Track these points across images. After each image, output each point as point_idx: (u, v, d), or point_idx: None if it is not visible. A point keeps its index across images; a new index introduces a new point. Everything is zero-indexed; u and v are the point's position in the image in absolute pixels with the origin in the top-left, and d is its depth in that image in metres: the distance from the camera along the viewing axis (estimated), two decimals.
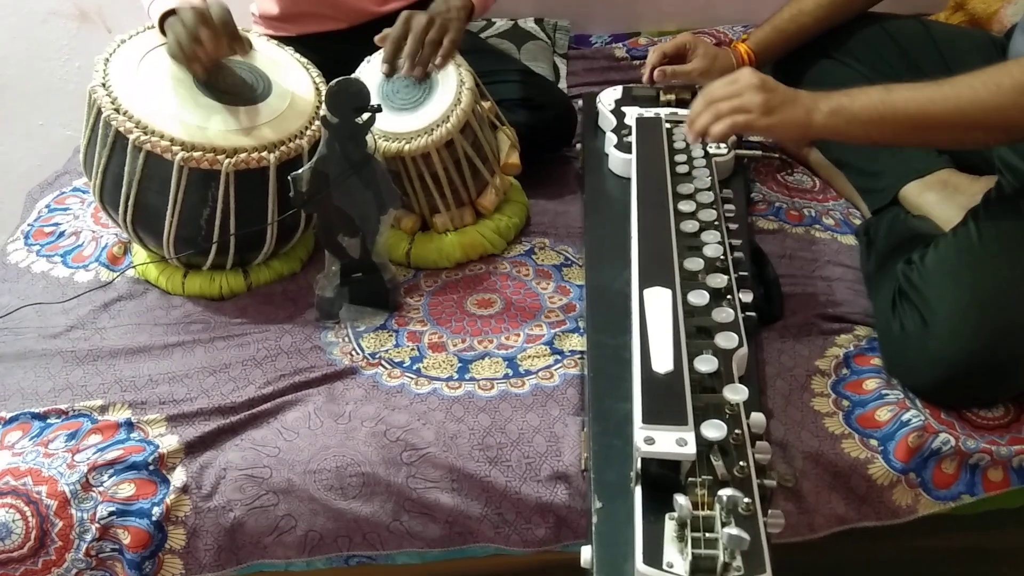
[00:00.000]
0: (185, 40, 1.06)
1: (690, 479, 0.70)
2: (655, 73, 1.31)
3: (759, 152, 1.27)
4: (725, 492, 0.66)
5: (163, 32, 1.12)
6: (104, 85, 1.08)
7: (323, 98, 1.07)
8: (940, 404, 0.97)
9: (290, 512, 0.91)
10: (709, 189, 1.07)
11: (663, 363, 0.78)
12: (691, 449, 0.70)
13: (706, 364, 0.79)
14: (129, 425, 0.97)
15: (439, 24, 1.18)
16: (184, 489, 0.91)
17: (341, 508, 0.91)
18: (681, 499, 0.66)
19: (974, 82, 0.92)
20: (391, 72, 1.19)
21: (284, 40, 1.29)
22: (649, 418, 0.72)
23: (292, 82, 1.18)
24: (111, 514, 0.89)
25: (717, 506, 0.66)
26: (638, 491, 0.71)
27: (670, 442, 0.70)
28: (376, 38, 1.20)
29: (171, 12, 1.10)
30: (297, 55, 1.23)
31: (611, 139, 1.27)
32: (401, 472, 0.92)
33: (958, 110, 0.92)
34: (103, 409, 0.99)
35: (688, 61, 1.31)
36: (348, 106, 1.01)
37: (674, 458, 0.70)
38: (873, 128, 0.96)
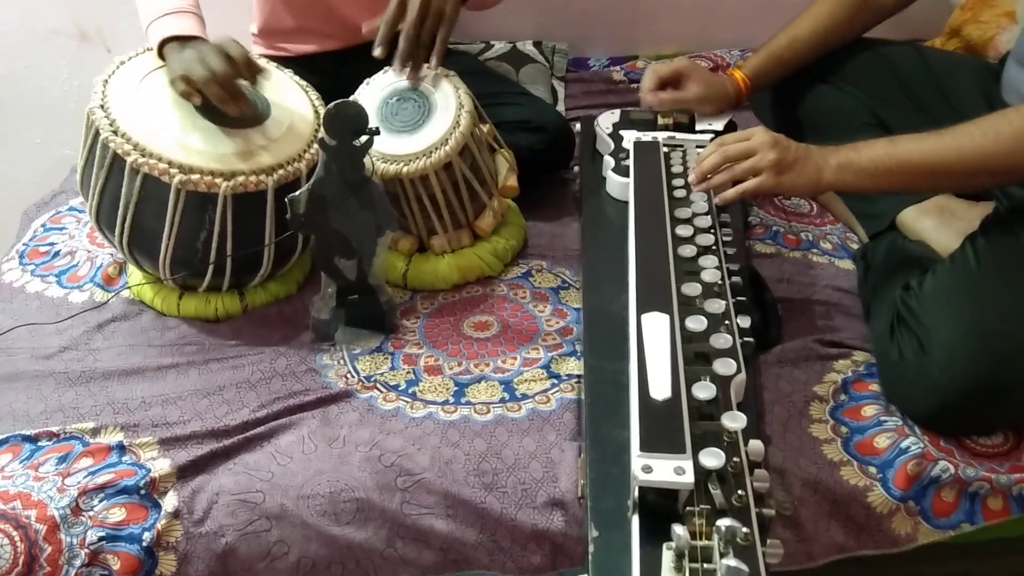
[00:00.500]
0: (201, 75, 1.05)
1: (688, 508, 0.69)
2: (651, 98, 1.31)
3: None
4: (723, 522, 0.65)
5: (161, 56, 1.12)
6: (103, 106, 1.08)
7: (321, 121, 1.07)
8: (939, 431, 0.97)
9: (283, 538, 0.90)
10: (707, 213, 1.06)
11: (661, 390, 0.77)
12: (689, 478, 0.69)
13: (704, 391, 0.78)
14: (121, 448, 0.96)
15: (432, 16, 1.14)
16: (175, 514, 0.90)
17: (334, 534, 0.90)
18: (679, 529, 0.65)
19: (974, 131, 0.95)
20: (385, 55, 1.16)
21: (283, 61, 1.29)
22: (647, 446, 0.71)
23: (291, 105, 1.18)
24: (101, 539, 0.87)
25: (715, 536, 0.65)
26: (635, 520, 0.71)
27: (668, 471, 0.70)
28: (376, 52, 1.20)
29: (172, 39, 1.10)
30: (296, 77, 1.24)
31: (609, 163, 1.27)
32: (395, 498, 0.91)
33: (960, 159, 0.96)
34: (95, 432, 0.98)
35: (683, 86, 1.32)
36: (346, 129, 1.01)
37: (672, 487, 0.70)
38: (880, 179, 1.00)
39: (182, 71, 1.07)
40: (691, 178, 1.12)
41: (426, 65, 1.18)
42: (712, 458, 0.71)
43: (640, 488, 0.71)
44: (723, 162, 1.07)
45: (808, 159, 1.02)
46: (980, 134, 0.95)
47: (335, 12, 1.40)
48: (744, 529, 0.66)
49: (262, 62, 1.23)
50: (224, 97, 1.07)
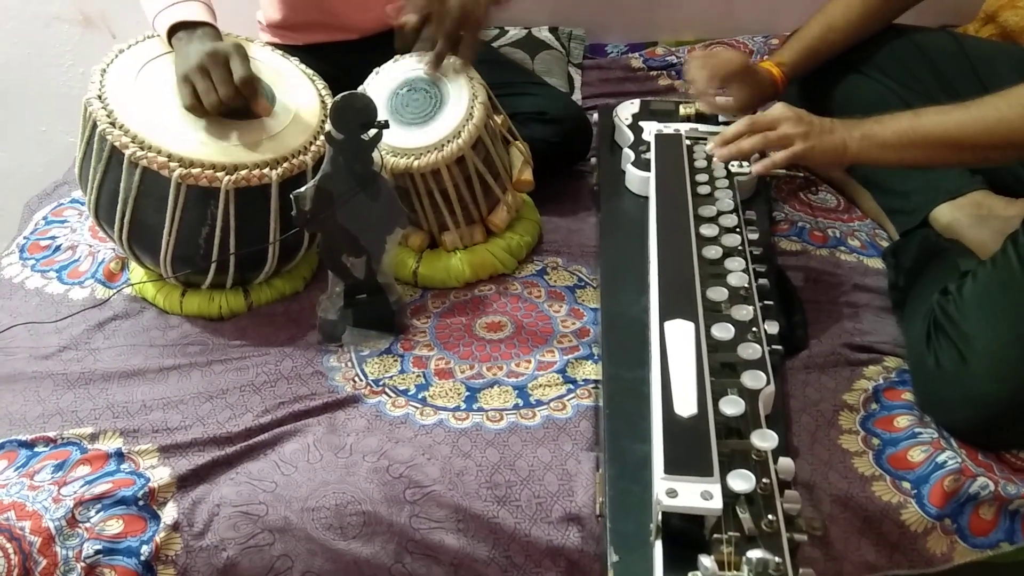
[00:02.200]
0: (210, 101, 1.01)
1: (715, 535, 0.65)
2: (708, 106, 1.25)
3: (783, 171, 1.21)
4: (754, 554, 0.61)
5: (170, 43, 1.08)
6: (100, 97, 1.03)
7: (328, 113, 1.02)
8: (977, 445, 0.92)
9: (286, 552, 0.86)
10: (732, 212, 1.01)
11: (686, 405, 0.72)
12: (717, 503, 0.65)
13: (732, 406, 0.73)
14: (119, 456, 0.92)
15: (471, 17, 1.10)
16: (175, 526, 0.86)
17: (340, 549, 0.86)
18: (707, 561, 0.61)
19: (1000, 103, 0.94)
20: (406, 51, 1.15)
21: (290, 49, 1.24)
22: (672, 468, 0.67)
23: (297, 95, 1.13)
24: (97, 552, 0.84)
25: (745, 568, 0.61)
26: (658, 546, 0.66)
27: (694, 495, 0.65)
28: (397, 44, 1.15)
29: (180, 25, 1.06)
30: (303, 66, 1.19)
31: (628, 156, 1.22)
32: (404, 511, 0.87)
33: (986, 131, 0.94)
34: (93, 437, 0.95)
35: (735, 87, 1.24)
36: (354, 122, 0.96)
37: (699, 513, 0.65)
38: (905, 152, 0.98)
39: (188, 89, 1.02)
40: (709, 147, 1.10)
41: (450, 58, 1.13)
42: (742, 481, 0.66)
43: (663, 513, 0.66)
44: (747, 131, 1.05)
45: (833, 131, 1.01)
46: (1007, 106, 0.93)
47: (336, 12, 1.35)
48: (776, 559, 0.62)
49: (267, 51, 1.18)
50: (224, 110, 1.03)
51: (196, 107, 1.02)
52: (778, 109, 1.04)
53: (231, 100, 1.01)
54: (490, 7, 1.13)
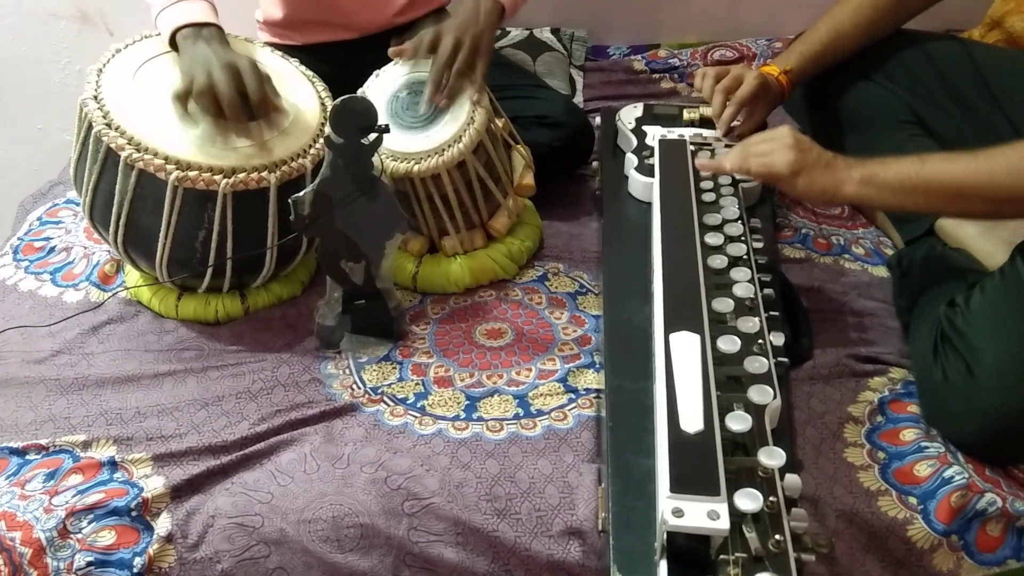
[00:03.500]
0: (229, 98, 0.99)
1: (721, 556, 0.63)
2: (726, 130, 1.20)
3: None
4: None
5: (172, 45, 1.06)
6: (96, 98, 1.02)
7: (327, 116, 1.01)
8: (985, 459, 0.90)
9: (282, 565, 0.84)
10: (737, 220, 1.00)
11: (692, 421, 0.71)
12: (724, 524, 0.63)
13: (739, 422, 0.72)
14: (112, 464, 0.90)
15: (468, 46, 1.09)
16: (168, 538, 0.84)
17: (337, 562, 0.84)
18: None
19: (1011, 154, 0.87)
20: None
21: (289, 50, 1.23)
22: (678, 486, 0.65)
23: (296, 97, 1.11)
24: (89, 564, 0.82)
25: None
26: (663, 565, 0.65)
27: (701, 515, 0.64)
28: (391, 51, 1.13)
29: (185, 26, 1.04)
30: (302, 67, 1.17)
31: (631, 160, 1.21)
32: (402, 524, 0.85)
33: (992, 183, 0.88)
34: (86, 445, 0.93)
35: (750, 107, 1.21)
36: (353, 126, 0.94)
37: (705, 533, 0.64)
38: (905, 198, 0.92)
39: (204, 94, 1.00)
40: (699, 162, 1.07)
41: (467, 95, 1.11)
42: (749, 500, 0.65)
43: (669, 532, 0.65)
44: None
45: (830, 168, 0.95)
46: (1017, 158, 0.87)
47: (338, 9, 1.33)
48: None
49: (267, 52, 1.16)
50: (240, 119, 1.02)
51: (210, 106, 1.00)
52: (780, 133, 0.99)
53: (235, 108, 1.00)
54: (492, 29, 1.12)
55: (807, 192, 0.96)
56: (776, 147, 0.97)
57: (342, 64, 1.29)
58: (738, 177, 1.10)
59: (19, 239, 1.28)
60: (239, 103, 1.00)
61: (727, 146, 1.16)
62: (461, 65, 1.09)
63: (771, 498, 0.68)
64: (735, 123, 1.20)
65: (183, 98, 1.01)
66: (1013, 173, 0.86)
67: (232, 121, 1.01)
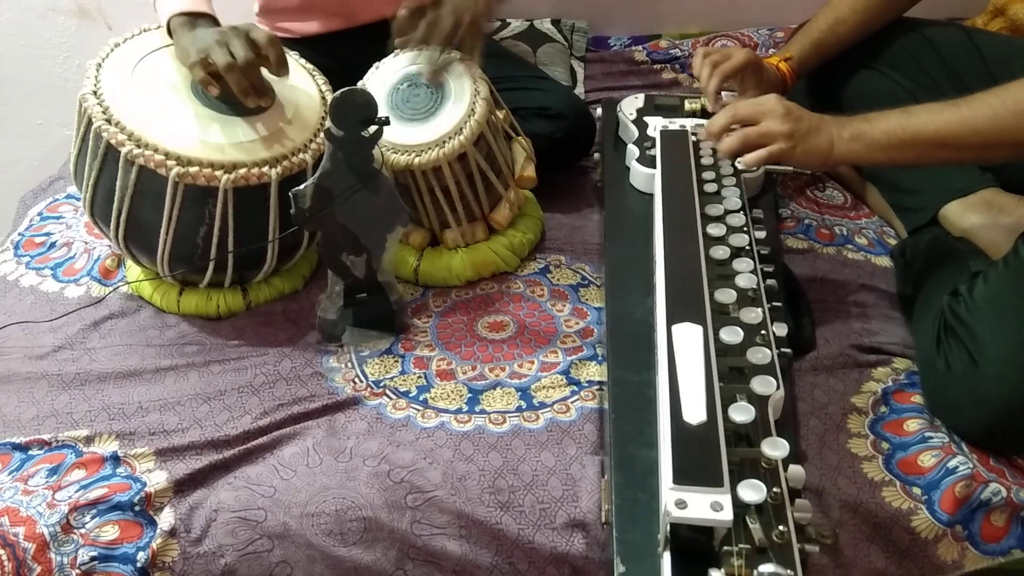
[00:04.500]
0: (224, 61, 0.97)
1: (725, 547, 0.63)
2: (711, 100, 1.20)
3: (791, 168, 1.19)
4: (766, 568, 0.60)
5: (169, 32, 1.06)
6: (95, 93, 1.01)
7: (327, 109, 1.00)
8: (988, 449, 0.90)
9: (285, 559, 0.84)
10: (740, 210, 1.00)
11: (695, 413, 0.71)
12: (727, 515, 0.63)
13: (742, 413, 0.72)
14: (115, 459, 0.90)
15: (465, 24, 1.08)
16: (172, 532, 0.84)
17: (340, 555, 0.84)
18: (717, 574, 0.59)
19: (992, 100, 0.90)
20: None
21: (288, 42, 1.22)
22: (681, 478, 0.65)
23: (297, 90, 1.11)
24: (93, 559, 0.82)
25: None
26: (666, 557, 0.65)
27: (704, 506, 0.64)
28: (396, 42, 1.13)
29: (180, 14, 1.03)
30: (302, 60, 1.17)
31: (633, 152, 1.20)
32: (405, 517, 0.85)
33: (977, 130, 0.90)
34: (88, 440, 0.93)
35: (743, 86, 1.21)
36: (353, 118, 0.94)
37: (709, 524, 0.64)
38: (895, 152, 0.94)
39: (200, 54, 0.99)
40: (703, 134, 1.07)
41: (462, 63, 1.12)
42: (752, 491, 0.65)
43: (672, 524, 0.65)
44: (731, 123, 1.02)
45: (820, 130, 0.97)
46: (1000, 104, 0.89)
47: None
48: (788, 572, 0.61)
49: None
50: (247, 88, 1.00)
51: (208, 81, 0.99)
52: (768, 102, 0.99)
53: (248, 61, 0.98)
54: (490, 8, 1.11)
55: (805, 159, 0.97)
56: (766, 113, 0.98)
57: (342, 57, 1.28)
58: (740, 167, 1.10)
59: (20, 235, 1.28)
60: (253, 59, 0.99)
61: None
62: (456, 40, 1.08)
63: (774, 489, 0.67)
64: (727, 101, 1.19)
65: (204, 83, 1.00)
66: (995, 119, 0.89)
67: (251, 84, 0.99)
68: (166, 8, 1.06)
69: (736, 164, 1.07)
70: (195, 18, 1.05)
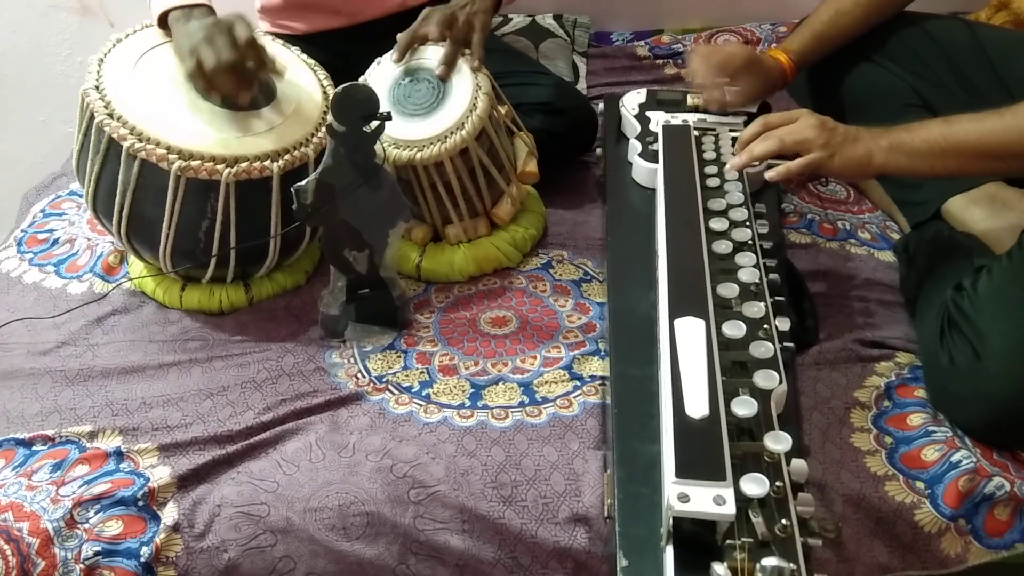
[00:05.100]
0: (211, 66, 0.98)
1: (728, 541, 0.63)
2: (712, 101, 1.20)
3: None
4: (769, 562, 0.59)
5: (161, 27, 1.06)
6: (97, 87, 1.01)
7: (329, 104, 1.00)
8: (991, 443, 0.90)
9: (289, 553, 0.85)
10: (742, 205, 0.99)
11: (698, 407, 0.71)
12: (730, 508, 0.63)
13: (745, 407, 0.71)
14: (119, 455, 0.90)
15: (464, 21, 1.11)
16: (175, 527, 0.85)
17: (343, 550, 0.84)
18: (720, 568, 0.60)
19: None
20: (400, 59, 1.13)
21: (289, 39, 1.22)
22: (683, 472, 0.65)
23: (298, 86, 1.11)
24: (97, 554, 0.82)
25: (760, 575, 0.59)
26: (669, 551, 0.65)
27: (707, 500, 0.64)
28: (399, 37, 1.13)
29: (175, 8, 1.04)
30: (304, 56, 1.17)
31: (635, 147, 1.20)
32: (408, 512, 0.85)
33: (1022, 139, 0.89)
34: (92, 436, 0.93)
35: (738, 79, 1.19)
36: (355, 114, 0.94)
37: (711, 518, 0.64)
38: (935, 161, 0.94)
39: (192, 59, 0.99)
40: (730, 163, 1.05)
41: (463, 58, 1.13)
42: (755, 485, 0.65)
43: (675, 517, 0.65)
44: (764, 132, 1.02)
45: (858, 141, 0.97)
46: None
47: None
48: (791, 566, 0.60)
49: (267, 41, 1.16)
50: (235, 89, 1.00)
51: (199, 76, 0.99)
52: (803, 116, 1.00)
53: (235, 61, 0.98)
54: (491, 11, 1.12)
55: (843, 169, 0.97)
56: (802, 125, 0.98)
57: (343, 53, 1.28)
58: (771, 177, 1.07)
59: (23, 231, 1.28)
60: (236, 59, 0.98)
61: (731, 130, 1.15)
62: (457, 36, 1.09)
63: (777, 483, 0.67)
64: (728, 89, 1.19)
65: (195, 77, 1.00)
66: None
67: (238, 83, 1.00)
68: (160, 2, 1.06)
69: (767, 176, 1.02)
70: (191, 10, 1.04)
